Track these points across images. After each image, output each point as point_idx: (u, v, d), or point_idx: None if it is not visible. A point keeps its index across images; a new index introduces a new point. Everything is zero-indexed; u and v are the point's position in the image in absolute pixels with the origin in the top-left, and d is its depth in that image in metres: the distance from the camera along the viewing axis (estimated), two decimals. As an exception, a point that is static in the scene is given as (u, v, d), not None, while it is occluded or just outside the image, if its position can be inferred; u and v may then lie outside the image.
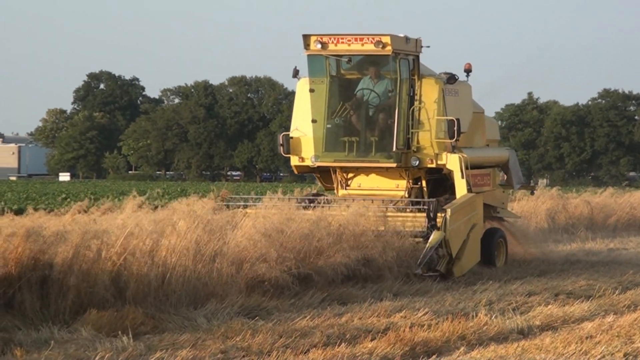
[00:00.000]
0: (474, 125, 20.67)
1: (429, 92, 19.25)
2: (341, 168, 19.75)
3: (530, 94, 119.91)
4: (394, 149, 18.99)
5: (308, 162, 19.68)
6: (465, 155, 19.10)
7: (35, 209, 18.68)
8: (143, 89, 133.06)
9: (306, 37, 18.92)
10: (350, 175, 19.89)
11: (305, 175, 21.43)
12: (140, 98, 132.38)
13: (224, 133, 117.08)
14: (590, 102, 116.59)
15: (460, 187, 18.88)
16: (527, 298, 15.95)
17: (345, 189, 19.84)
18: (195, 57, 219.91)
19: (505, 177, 22.32)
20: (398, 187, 19.56)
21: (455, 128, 18.83)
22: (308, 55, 19.09)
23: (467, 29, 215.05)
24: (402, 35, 18.90)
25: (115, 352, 11.11)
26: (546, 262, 21.73)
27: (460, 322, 13.16)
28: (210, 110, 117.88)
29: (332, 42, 18.86)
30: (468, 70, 20.35)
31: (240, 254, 15.02)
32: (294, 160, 19.85)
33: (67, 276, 12.85)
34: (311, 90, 19.33)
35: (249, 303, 14.10)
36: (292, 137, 19.85)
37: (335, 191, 19.97)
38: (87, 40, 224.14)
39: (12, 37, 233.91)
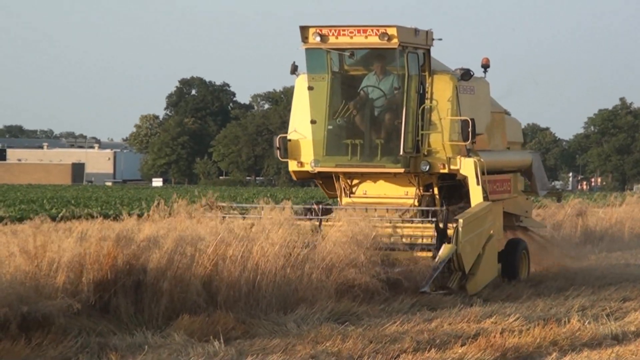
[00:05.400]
0: (493, 126, 18.78)
1: (441, 90, 17.34)
2: (344, 174, 17.79)
3: (622, 99, 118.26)
4: (402, 152, 17.05)
5: (307, 167, 17.78)
6: (482, 160, 17.28)
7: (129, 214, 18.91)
8: (234, 94, 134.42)
9: (304, 29, 17.08)
10: (355, 181, 17.95)
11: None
12: (231, 104, 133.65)
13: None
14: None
15: (476, 195, 17.04)
16: (621, 304, 15.72)
17: (350, 196, 17.87)
18: (284, 62, 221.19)
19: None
20: (407, 194, 17.62)
21: (470, 129, 16.96)
22: (306, 49, 17.18)
23: (486, 21, 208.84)
24: (410, 26, 17.11)
25: (207, 356, 11.24)
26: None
27: (552, 328, 13.03)
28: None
29: (333, 35, 17.02)
30: (486, 66, 18.42)
31: (329, 259, 15.05)
32: (292, 166, 17.93)
33: (161, 281, 13.05)
34: (310, 88, 17.44)
35: (338, 308, 14.14)
36: (290, 140, 17.91)
37: (339, 199, 18.05)
38: (179, 46, 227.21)
39: (107, 46, 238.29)
